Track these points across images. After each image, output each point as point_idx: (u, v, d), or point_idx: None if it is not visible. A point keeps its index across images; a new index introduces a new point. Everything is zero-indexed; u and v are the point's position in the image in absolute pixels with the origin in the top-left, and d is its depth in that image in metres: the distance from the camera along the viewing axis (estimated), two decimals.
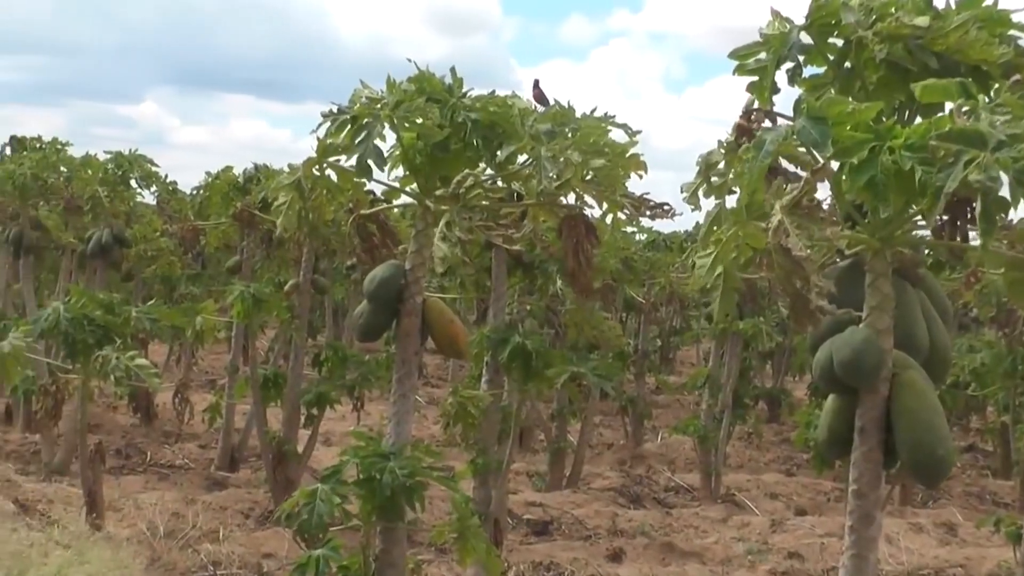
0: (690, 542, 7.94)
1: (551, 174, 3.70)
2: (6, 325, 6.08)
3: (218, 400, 9.35)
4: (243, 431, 9.62)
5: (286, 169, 4.27)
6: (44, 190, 9.86)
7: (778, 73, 2.96)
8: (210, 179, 9.65)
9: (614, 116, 3.87)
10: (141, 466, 9.41)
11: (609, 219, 4.02)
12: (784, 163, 2.75)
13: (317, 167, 3.97)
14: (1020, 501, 9.32)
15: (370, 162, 3.70)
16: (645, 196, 3.97)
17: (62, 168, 9.90)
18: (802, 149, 2.59)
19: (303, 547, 4.07)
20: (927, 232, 2.85)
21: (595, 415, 11.33)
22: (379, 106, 3.74)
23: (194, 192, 10.89)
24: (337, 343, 9.37)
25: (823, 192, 2.64)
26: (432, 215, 4.01)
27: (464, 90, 3.90)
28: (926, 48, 2.73)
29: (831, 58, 2.92)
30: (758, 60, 2.95)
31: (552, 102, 4.09)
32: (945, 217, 2.70)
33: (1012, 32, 2.73)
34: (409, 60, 3.88)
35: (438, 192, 4.01)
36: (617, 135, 3.88)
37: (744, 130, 2.81)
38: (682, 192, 2.88)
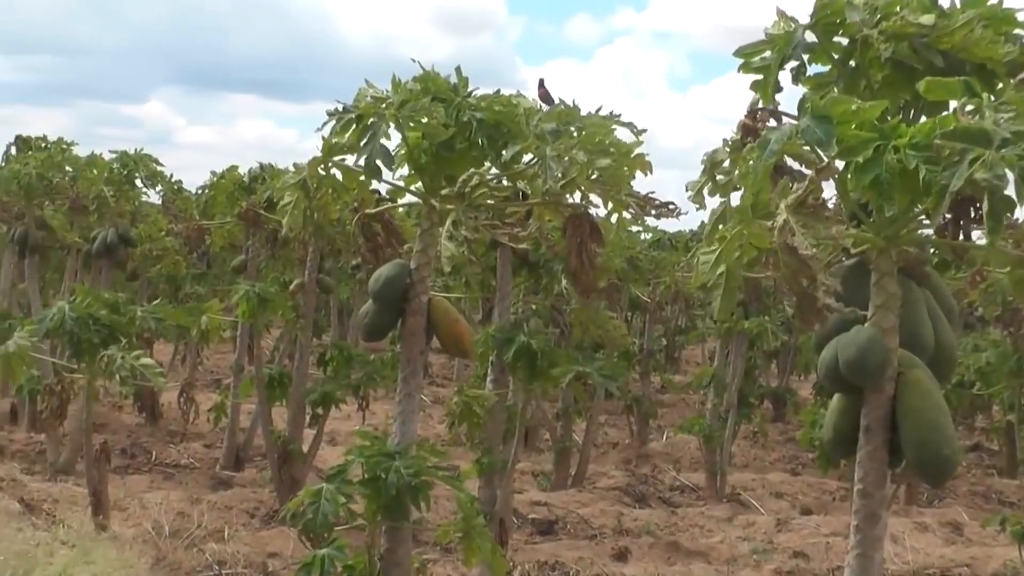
0: (695, 541, 7.93)
1: (556, 173, 3.69)
2: (11, 325, 6.10)
3: (223, 399, 9.37)
4: (248, 430, 9.63)
5: (291, 169, 4.25)
6: (49, 190, 9.85)
7: (782, 72, 2.96)
8: (215, 179, 9.64)
9: (619, 115, 3.86)
10: (146, 465, 9.41)
11: (614, 218, 4.01)
12: (789, 162, 2.75)
13: (322, 166, 3.97)
14: None
15: (378, 162, 3.70)
16: (650, 195, 3.96)
17: (67, 168, 9.88)
18: (807, 148, 2.59)
19: (308, 546, 4.07)
20: (932, 231, 2.84)
21: (600, 414, 11.32)
22: (384, 105, 3.73)
23: (199, 192, 10.91)
24: (342, 342, 9.36)
25: (828, 191, 2.63)
26: (437, 214, 4.00)
27: (469, 89, 3.88)
28: (931, 47, 2.73)
29: (836, 57, 2.91)
30: (763, 59, 2.95)
31: (557, 101, 4.09)
32: (950, 216, 2.70)
33: (1017, 30, 2.73)
34: (414, 60, 3.88)
35: (443, 191, 4.01)
36: (622, 134, 3.88)
37: (749, 129, 2.81)
38: (687, 191, 2.89)
